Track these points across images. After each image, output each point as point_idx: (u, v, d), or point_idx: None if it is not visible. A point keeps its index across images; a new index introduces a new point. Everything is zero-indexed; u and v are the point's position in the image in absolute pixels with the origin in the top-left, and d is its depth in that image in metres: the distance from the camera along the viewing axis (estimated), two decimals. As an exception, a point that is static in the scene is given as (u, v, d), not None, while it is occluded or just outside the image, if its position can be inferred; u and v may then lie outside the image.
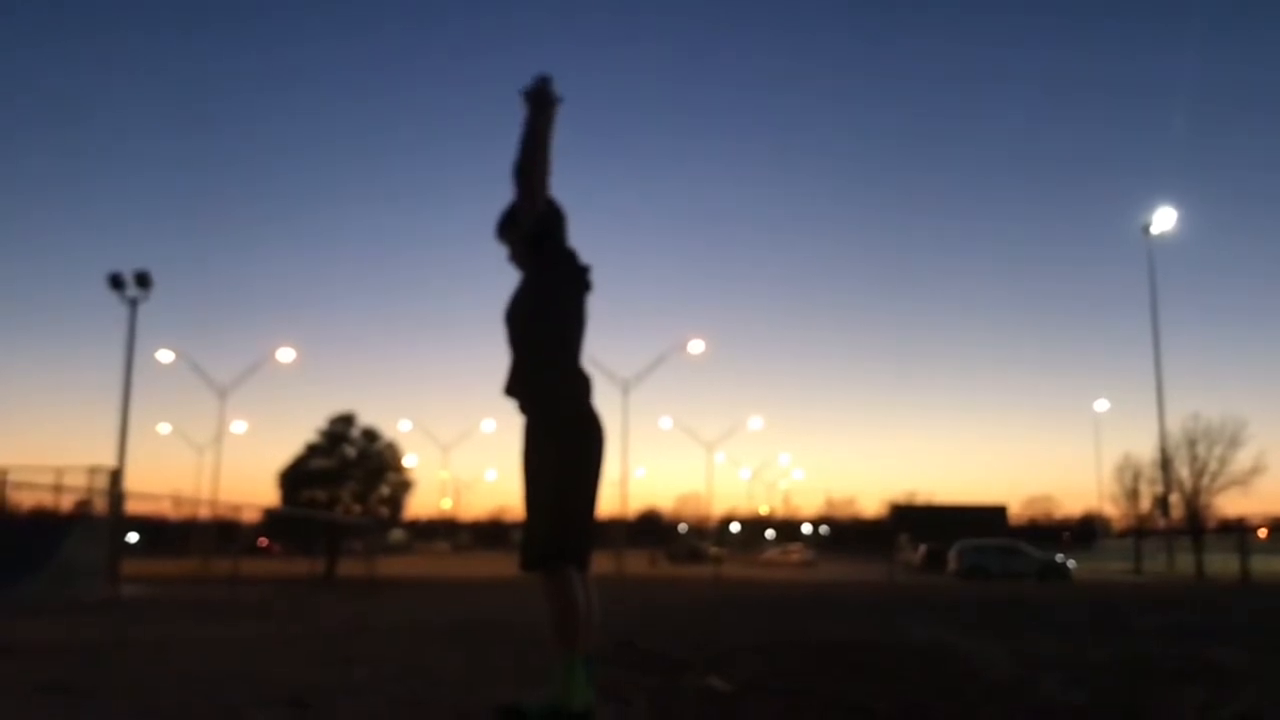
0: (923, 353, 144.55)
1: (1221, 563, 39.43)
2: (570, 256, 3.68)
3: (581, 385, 3.61)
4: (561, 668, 3.35)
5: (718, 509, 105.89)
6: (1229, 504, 47.57)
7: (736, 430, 69.65)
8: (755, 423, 71.77)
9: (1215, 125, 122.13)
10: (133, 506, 28.82)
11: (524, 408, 3.61)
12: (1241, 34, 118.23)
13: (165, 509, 48.57)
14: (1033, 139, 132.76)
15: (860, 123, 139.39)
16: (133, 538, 48.49)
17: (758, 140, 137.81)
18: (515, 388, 3.60)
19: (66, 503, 22.86)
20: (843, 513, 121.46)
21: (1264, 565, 35.30)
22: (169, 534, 54.10)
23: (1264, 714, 4.79)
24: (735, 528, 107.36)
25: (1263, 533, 45.31)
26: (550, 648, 3.50)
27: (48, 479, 21.75)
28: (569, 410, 3.53)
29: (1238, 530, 41.23)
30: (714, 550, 59.68)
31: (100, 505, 23.04)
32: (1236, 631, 10.19)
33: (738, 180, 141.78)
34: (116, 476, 24.07)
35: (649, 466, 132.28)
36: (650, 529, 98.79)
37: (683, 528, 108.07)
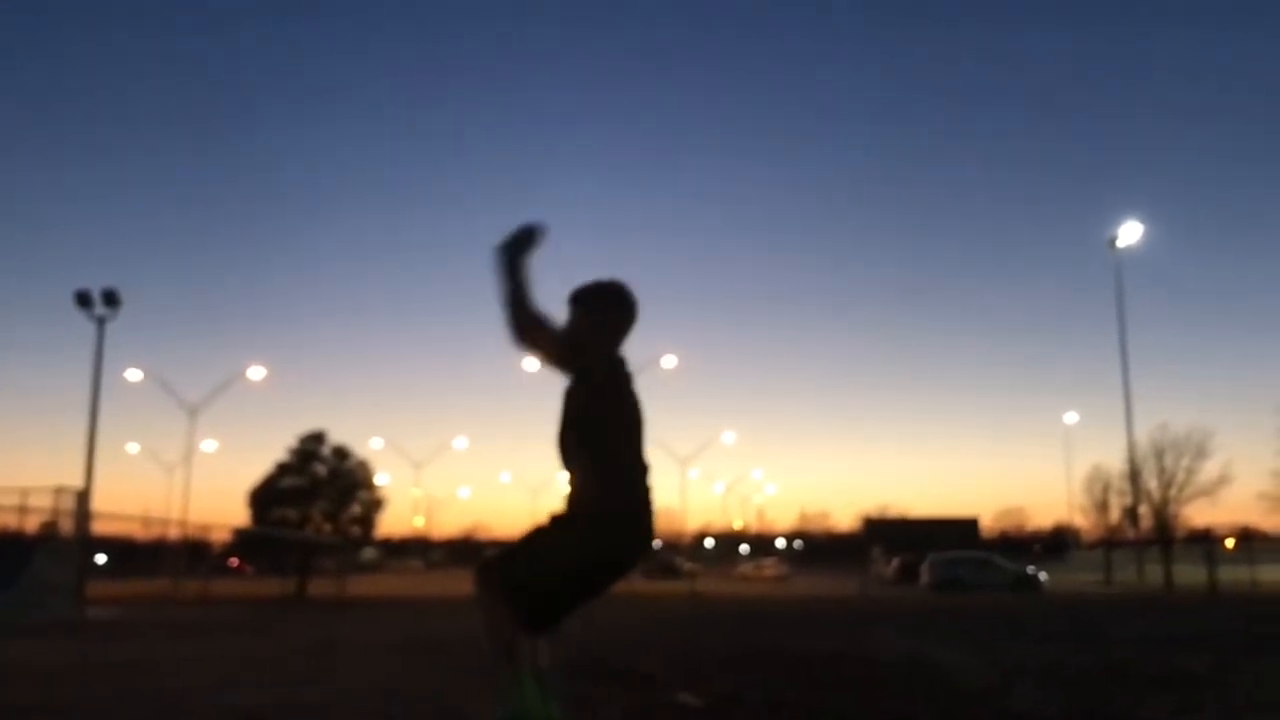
0: (894, 367, 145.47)
1: (1190, 573, 39.78)
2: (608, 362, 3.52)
3: (627, 489, 3.38)
4: (506, 683, 3.31)
5: (692, 524, 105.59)
6: (1197, 514, 48.12)
7: (710, 445, 69.52)
8: (728, 438, 71.73)
9: (1180, 140, 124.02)
10: (101, 527, 28.45)
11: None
12: (1207, 51, 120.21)
13: (134, 529, 47.84)
14: (1000, 156, 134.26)
15: (827, 142, 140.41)
16: (101, 559, 47.83)
17: (730, 156, 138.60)
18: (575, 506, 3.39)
19: (32, 524, 22.51)
20: (816, 527, 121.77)
21: (1231, 575, 35.66)
22: (138, 554, 53.41)
23: (1233, 721, 4.83)
24: (709, 543, 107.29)
25: (1230, 543, 45.73)
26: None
27: (13, 500, 21.39)
28: (600, 506, 3.33)
29: (1205, 541, 41.62)
30: (688, 565, 59.57)
31: (67, 526, 22.70)
32: (1205, 640, 10.28)
33: (711, 194, 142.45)
34: (83, 497, 23.71)
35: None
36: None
37: (657, 543, 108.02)
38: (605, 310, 3.54)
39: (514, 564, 3.36)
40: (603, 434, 3.40)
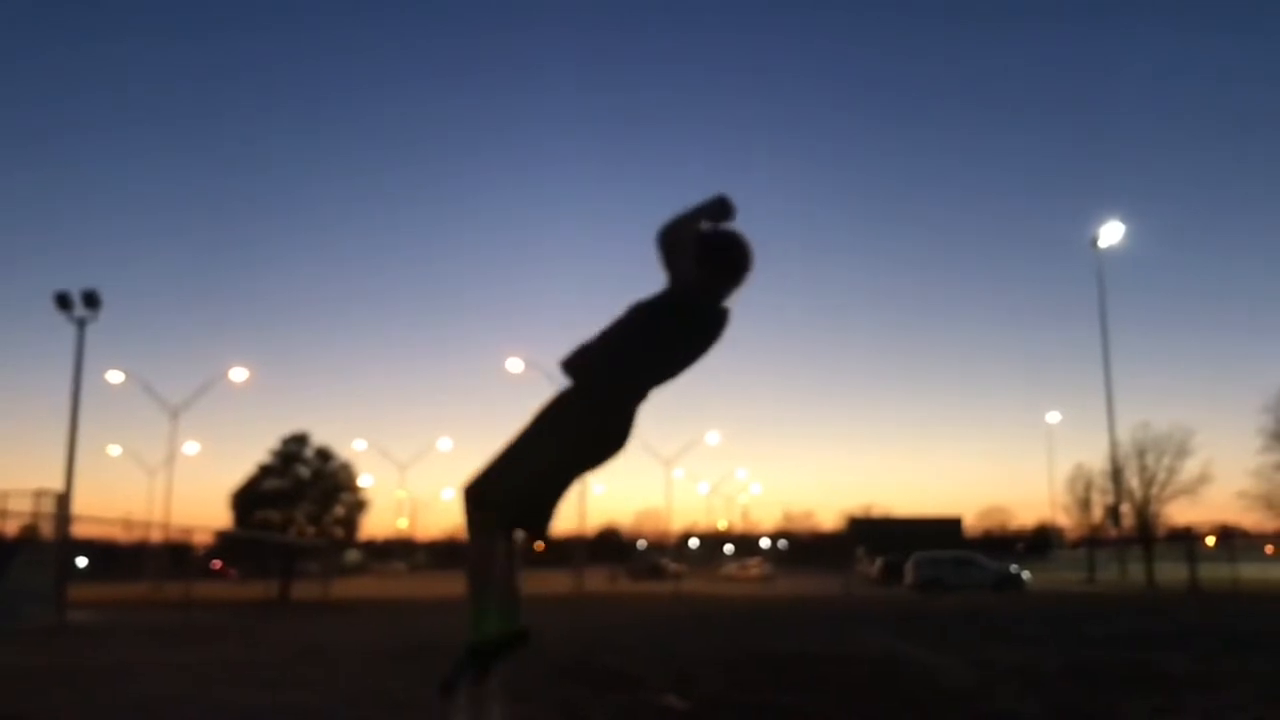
0: (877, 367, 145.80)
1: (1171, 571, 40.07)
2: (710, 307, 3.64)
3: (619, 387, 3.50)
4: (479, 602, 3.37)
5: (677, 524, 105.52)
6: (1178, 512, 48.37)
7: (694, 445, 69.49)
8: (712, 438, 71.81)
9: (1161, 140, 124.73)
10: (82, 530, 28.22)
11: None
12: (1188, 48, 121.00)
13: (116, 532, 47.45)
14: (983, 154, 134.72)
15: (811, 142, 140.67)
16: (82, 562, 47.50)
17: (712, 155, 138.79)
18: (569, 364, 3.51)
19: (11, 528, 22.33)
20: (800, 526, 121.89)
21: (1212, 573, 35.94)
22: (120, 558, 53.09)
23: (1210, 719, 4.86)
24: (694, 543, 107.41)
25: (1210, 541, 46.13)
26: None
27: (-9, 504, 21.23)
28: (586, 397, 3.46)
29: (1186, 539, 41.93)
30: (674, 566, 59.62)
31: (47, 529, 22.54)
32: (1186, 639, 10.35)
33: (693, 194, 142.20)
34: (64, 500, 23.53)
35: (608, 483, 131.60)
36: (610, 546, 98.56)
37: (642, 544, 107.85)
38: (723, 263, 3.62)
39: (498, 473, 3.43)
40: (652, 339, 3.52)
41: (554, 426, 3.45)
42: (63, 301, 27.54)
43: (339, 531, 40.94)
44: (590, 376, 3.49)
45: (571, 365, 3.50)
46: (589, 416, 3.46)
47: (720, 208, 3.55)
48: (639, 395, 3.57)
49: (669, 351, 3.59)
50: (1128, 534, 47.86)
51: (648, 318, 3.53)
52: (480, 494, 3.42)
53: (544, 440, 3.44)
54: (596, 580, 50.93)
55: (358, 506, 41.36)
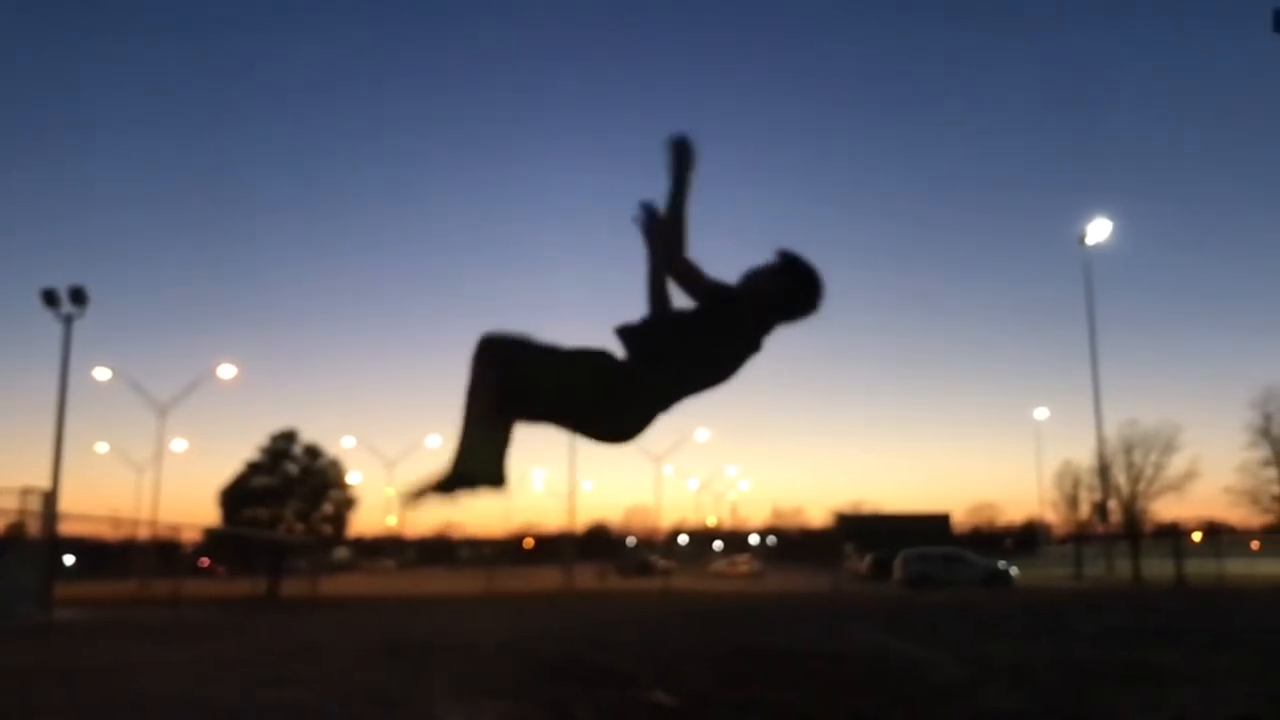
0: (867, 363, 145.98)
1: (1158, 566, 40.21)
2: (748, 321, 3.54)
3: (647, 373, 3.39)
4: (467, 441, 3.29)
5: (666, 521, 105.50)
6: (1164, 509, 48.44)
7: (684, 442, 69.42)
8: (701, 435, 71.78)
9: (1150, 137, 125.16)
10: (69, 528, 28.07)
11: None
12: (1178, 48, 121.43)
13: (103, 530, 47.20)
14: (970, 151, 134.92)
15: (799, 138, 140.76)
16: (69, 560, 47.31)
17: (709, 149, 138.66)
18: (626, 331, 3.42)
19: (-3, 526, 22.27)
20: (789, 523, 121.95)
21: (1198, 568, 36.11)
22: (108, 556, 52.90)
23: (1198, 715, 4.91)
24: (683, 540, 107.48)
25: (1197, 536, 46.38)
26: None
27: (-21, 501, 21.12)
28: (617, 361, 3.36)
29: (1173, 535, 42.13)
30: (663, 563, 59.62)
31: (34, 527, 22.44)
32: (1173, 634, 10.43)
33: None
34: (50, 497, 23.43)
35: (597, 479, 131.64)
36: (599, 542, 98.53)
37: (631, 540, 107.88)
38: (795, 295, 3.56)
39: (520, 349, 3.35)
40: (687, 347, 3.42)
41: (588, 368, 3.35)
42: (50, 298, 27.42)
43: (328, 529, 40.76)
44: (645, 347, 3.39)
45: (628, 335, 3.42)
46: (623, 386, 3.36)
47: (681, 153, 3.40)
48: (674, 396, 3.47)
49: (717, 361, 3.52)
50: (1115, 530, 48.01)
51: (709, 325, 3.45)
52: (497, 348, 3.32)
53: (572, 369, 3.34)
54: (586, 577, 50.90)
55: (347, 504, 41.19)
